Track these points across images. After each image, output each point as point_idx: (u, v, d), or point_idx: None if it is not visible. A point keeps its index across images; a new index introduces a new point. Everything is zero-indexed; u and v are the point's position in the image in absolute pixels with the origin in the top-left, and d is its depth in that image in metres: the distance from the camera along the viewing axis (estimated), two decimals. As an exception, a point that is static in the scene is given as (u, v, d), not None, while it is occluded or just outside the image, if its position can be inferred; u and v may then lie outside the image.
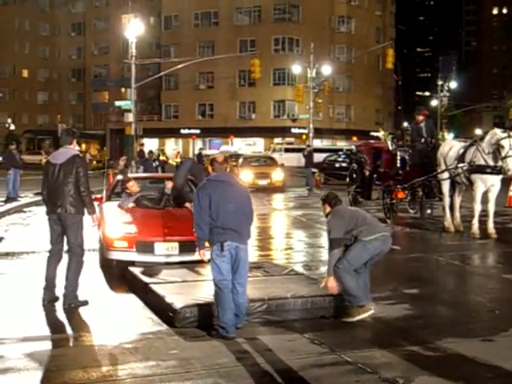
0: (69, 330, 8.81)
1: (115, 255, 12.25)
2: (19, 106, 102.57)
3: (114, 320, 9.30)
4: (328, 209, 9.64)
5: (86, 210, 10.15)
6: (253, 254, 14.76)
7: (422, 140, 20.20)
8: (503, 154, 16.78)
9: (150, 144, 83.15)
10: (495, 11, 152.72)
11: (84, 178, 10.02)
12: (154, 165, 31.77)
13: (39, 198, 28.88)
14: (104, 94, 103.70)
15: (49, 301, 10.01)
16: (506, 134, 16.94)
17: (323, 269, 13.17)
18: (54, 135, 74.47)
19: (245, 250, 8.57)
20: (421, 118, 20.67)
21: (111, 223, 12.68)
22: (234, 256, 8.46)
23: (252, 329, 8.78)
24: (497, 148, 16.94)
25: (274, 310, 9.18)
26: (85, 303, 9.95)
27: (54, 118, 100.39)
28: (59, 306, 9.90)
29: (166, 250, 12.12)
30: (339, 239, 9.27)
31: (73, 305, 9.85)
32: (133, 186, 14.16)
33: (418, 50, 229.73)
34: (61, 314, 9.57)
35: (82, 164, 10.15)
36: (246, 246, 8.63)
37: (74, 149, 10.35)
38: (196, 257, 10.01)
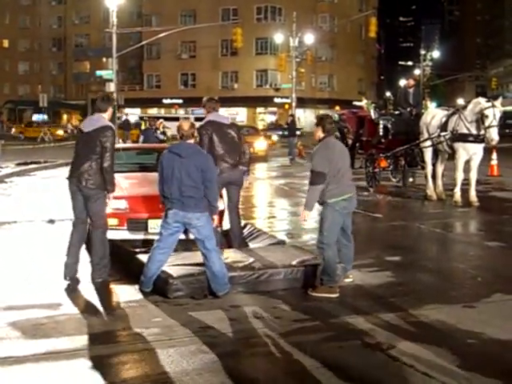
0: (52, 299, 8.76)
1: None
2: (0, 76, 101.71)
3: (97, 289, 9.26)
4: (320, 134, 9.28)
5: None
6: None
7: (408, 108, 20.29)
8: (487, 124, 16.77)
9: (132, 113, 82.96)
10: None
11: (109, 153, 9.33)
12: (155, 134, 30.58)
13: (21, 168, 28.98)
14: (85, 64, 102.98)
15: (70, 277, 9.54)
16: (490, 104, 16.94)
17: (306, 237, 13.22)
18: (35, 105, 74.04)
19: (196, 218, 8.67)
20: (412, 82, 20.90)
21: None
22: (183, 224, 8.76)
23: (236, 296, 8.79)
24: (480, 117, 16.94)
25: (264, 279, 9.17)
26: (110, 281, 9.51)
27: (35, 88, 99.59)
28: (39, 276, 9.86)
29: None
30: (324, 174, 8.96)
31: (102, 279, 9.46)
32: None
33: (401, 19, 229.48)
34: (43, 283, 9.53)
35: (110, 137, 9.37)
36: (199, 215, 8.69)
37: (106, 118, 9.57)
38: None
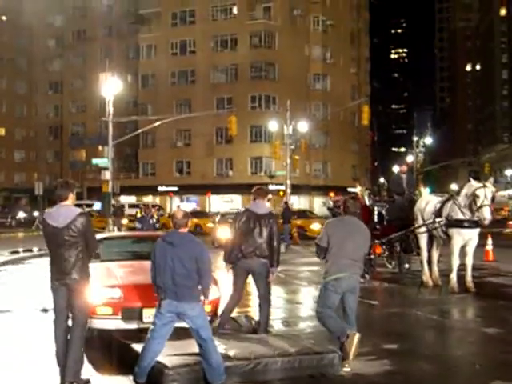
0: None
1: (98, 323, 10.89)
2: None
3: (91, 380, 9.10)
4: (343, 213, 10.11)
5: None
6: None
7: (402, 192, 20.41)
8: (479, 204, 16.82)
9: (128, 201, 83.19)
10: (468, 67, 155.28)
11: (93, 237, 9.08)
12: (151, 222, 30.70)
13: (15, 256, 28.89)
14: (81, 152, 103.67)
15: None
16: (480, 184, 17.08)
17: (302, 325, 13.11)
18: (30, 193, 74.27)
19: (190, 308, 8.63)
20: (405, 168, 21.18)
21: (93, 287, 10.73)
22: (176, 314, 8.68)
23: (231, 387, 8.67)
24: (473, 199, 17.02)
25: (261, 369, 9.03)
26: (87, 382, 8.86)
27: (31, 176, 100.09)
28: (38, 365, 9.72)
29: None
30: (321, 247, 9.71)
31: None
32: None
33: (393, 106, 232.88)
34: (36, 374, 9.37)
35: (87, 224, 8.89)
36: (194, 304, 8.68)
37: (72, 205, 9.00)
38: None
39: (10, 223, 69.06)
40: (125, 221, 47.34)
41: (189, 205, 79.46)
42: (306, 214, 50.42)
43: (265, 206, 11.74)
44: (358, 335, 9.49)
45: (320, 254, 9.75)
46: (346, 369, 9.43)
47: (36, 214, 67.19)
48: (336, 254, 9.47)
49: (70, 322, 8.96)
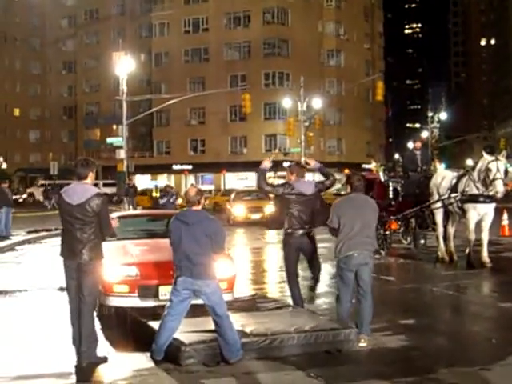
0: (63, 369, 8.67)
1: (114, 301, 10.99)
2: (11, 144, 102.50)
3: (109, 357, 9.16)
4: (349, 190, 9.91)
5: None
6: (247, 288, 14.73)
7: (417, 169, 20.33)
8: (491, 177, 16.76)
9: (143, 180, 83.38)
10: (483, 42, 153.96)
11: (107, 219, 8.93)
12: (171, 200, 30.44)
13: (32, 235, 29.01)
14: (95, 131, 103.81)
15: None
16: (493, 158, 16.97)
17: (318, 301, 13.12)
18: (45, 173, 74.48)
19: (206, 285, 8.68)
20: (419, 144, 21.05)
21: (109, 265, 10.81)
22: (192, 291, 8.73)
23: (249, 363, 8.68)
24: (486, 173, 16.94)
25: (277, 345, 9.05)
26: (104, 360, 8.90)
27: (46, 156, 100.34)
28: (50, 345, 9.79)
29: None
30: (332, 229, 9.74)
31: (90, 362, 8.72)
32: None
33: (408, 82, 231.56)
34: (54, 352, 9.44)
35: (103, 204, 8.80)
36: (209, 282, 8.71)
37: (90, 184, 8.95)
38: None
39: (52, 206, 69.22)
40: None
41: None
42: None
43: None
44: (364, 344, 9.55)
45: (334, 234, 9.82)
46: (362, 344, 9.44)
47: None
48: (348, 234, 9.51)
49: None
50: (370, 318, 9.74)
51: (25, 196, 74.18)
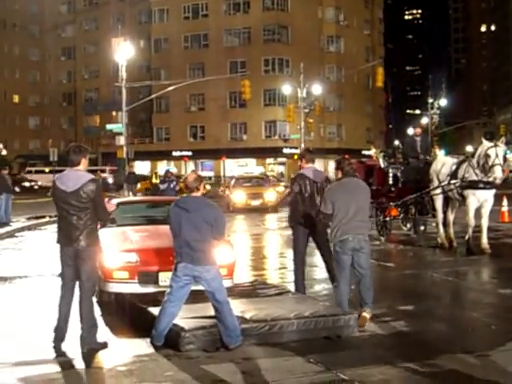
0: (63, 355, 8.69)
1: (114, 288, 11.02)
2: (10, 131, 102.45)
3: (109, 343, 9.19)
4: (340, 176, 9.93)
5: None
6: (247, 274, 14.75)
7: (417, 155, 20.30)
8: (490, 163, 16.75)
9: (142, 167, 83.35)
10: (483, 28, 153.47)
11: (101, 205, 8.93)
12: (172, 186, 30.40)
13: (32, 222, 29.02)
14: (95, 118, 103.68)
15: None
16: (492, 144, 16.96)
17: (318, 287, 13.15)
18: (45, 160, 74.35)
19: (206, 271, 8.69)
20: (419, 130, 21.04)
21: (109, 251, 11.06)
22: (192, 277, 8.74)
23: (248, 349, 8.71)
24: (485, 159, 16.93)
25: (277, 331, 9.08)
26: (104, 346, 8.92)
27: (46, 143, 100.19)
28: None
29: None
30: (326, 214, 9.80)
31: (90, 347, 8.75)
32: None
33: (408, 68, 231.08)
34: (53, 336, 9.45)
35: (96, 190, 8.76)
36: (209, 267, 8.72)
37: (83, 170, 8.88)
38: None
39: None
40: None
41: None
42: None
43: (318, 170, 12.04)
44: (367, 318, 9.63)
45: (328, 220, 9.88)
46: (366, 314, 9.58)
47: None
48: (342, 219, 9.56)
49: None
50: (371, 295, 9.80)
51: (40, 183, 73.68)
